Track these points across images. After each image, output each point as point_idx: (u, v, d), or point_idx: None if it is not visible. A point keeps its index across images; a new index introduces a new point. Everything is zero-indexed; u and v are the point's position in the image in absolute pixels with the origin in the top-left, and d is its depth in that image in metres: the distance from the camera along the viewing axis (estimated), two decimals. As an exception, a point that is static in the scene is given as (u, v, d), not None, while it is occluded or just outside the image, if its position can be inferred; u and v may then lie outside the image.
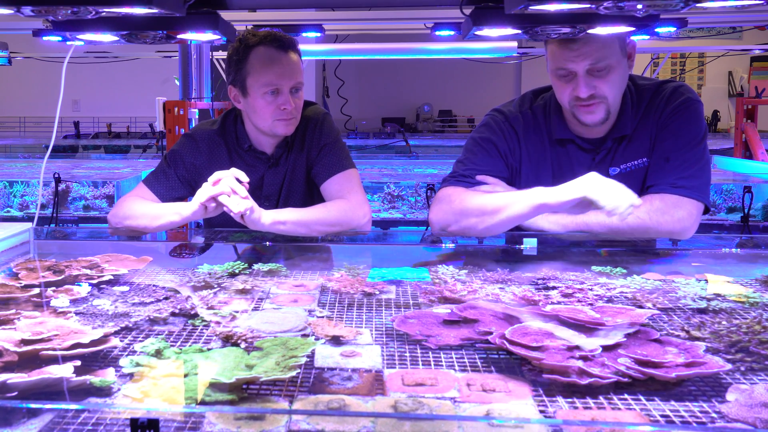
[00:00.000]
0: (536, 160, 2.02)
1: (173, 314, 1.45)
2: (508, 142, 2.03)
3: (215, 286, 1.68)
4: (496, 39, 1.85)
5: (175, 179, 2.20)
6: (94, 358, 1.22)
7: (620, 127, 1.97)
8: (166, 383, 1.11)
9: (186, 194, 2.22)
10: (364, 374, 1.17)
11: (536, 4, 1.44)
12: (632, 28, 1.73)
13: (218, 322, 1.41)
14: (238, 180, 1.90)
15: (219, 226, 2.18)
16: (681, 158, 1.92)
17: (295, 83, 2.11)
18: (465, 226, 1.93)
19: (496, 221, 1.87)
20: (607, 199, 1.69)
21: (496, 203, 1.87)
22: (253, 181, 2.14)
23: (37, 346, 1.20)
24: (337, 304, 1.55)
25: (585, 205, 1.74)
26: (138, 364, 1.18)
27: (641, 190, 1.97)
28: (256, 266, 1.84)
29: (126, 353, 1.25)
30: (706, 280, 1.72)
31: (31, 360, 1.18)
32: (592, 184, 1.73)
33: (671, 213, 1.87)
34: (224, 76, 2.40)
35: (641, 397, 1.08)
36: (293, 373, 1.13)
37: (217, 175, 1.90)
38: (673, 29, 2.93)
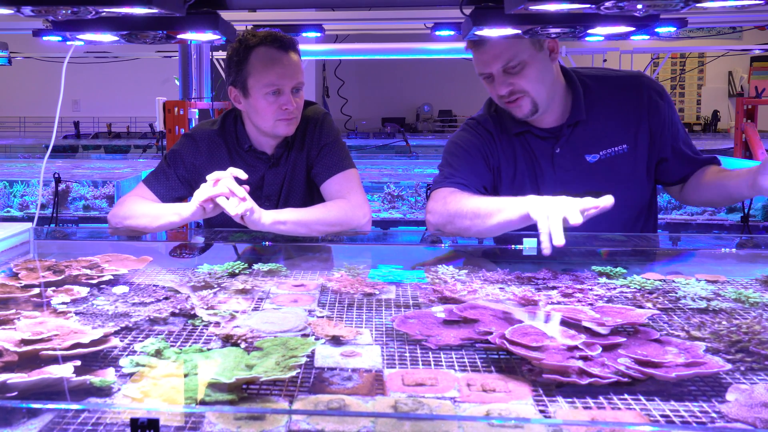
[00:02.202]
0: (511, 157, 2.07)
1: (173, 314, 1.45)
2: (486, 145, 2.07)
3: (215, 286, 1.68)
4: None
5: (175, 179, 2.20)
6: (94, 358, 1.22)
7: (573, 114, 2.02)
8: (166, 383, 1.11)
9: (186, 194, 2.21)
10: (364, 374, 1.17)
11: (536, 4, 1.44)
12: (632, 28, 1.73)
13: (218, 322, 1.41)
14: (237, 179, 1.90)
15: (219, 226, 2.18)
16: (688, 140, 2.08)
17: (296, 83, 2.11)
18: (459, 227, 1.94)
19: (488, 225, 1.87)
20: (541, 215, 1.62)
21: (489, 208, 1.87)
22: (253, 181, 2.14)
23: (37, 346, 1.20)
24: (337, 304, 1.55)
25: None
26: (138, 364, 1.18)
27: (622, 176, 2.01)
28: (256, 266, 1.84)
29: (126, 353, 1.25)
30: (706, 280, 1.72)
31: (31, 360, 1.18)
32: (535, 203, 1.67)
33: (729, 172, 1.98)
34: (224, 76, 2.40)
35: (641, 397, 1.08)
36: (293, 373, 1.13)
37: (215, 175, 1.90)
38: (673, 29, 2.93)
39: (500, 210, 1.83)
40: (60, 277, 1.68)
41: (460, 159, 2.06)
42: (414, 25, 4.25)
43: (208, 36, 1.82)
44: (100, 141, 7.23)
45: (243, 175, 1.90)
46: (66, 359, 1.17)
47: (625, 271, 1.78)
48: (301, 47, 2.20)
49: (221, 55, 5.01)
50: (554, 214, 1.59)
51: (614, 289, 1.62)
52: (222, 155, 2.21)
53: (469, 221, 1.91)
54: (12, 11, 1.44)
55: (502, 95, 1.96)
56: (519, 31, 1.73)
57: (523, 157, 2.05)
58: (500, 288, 1.64)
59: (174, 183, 2.20)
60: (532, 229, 1.94)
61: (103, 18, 1.57)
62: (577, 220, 1.57)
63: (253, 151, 2.21)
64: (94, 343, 1.23)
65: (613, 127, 2.02)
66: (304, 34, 3.75)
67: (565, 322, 1.36)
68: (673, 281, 1.70)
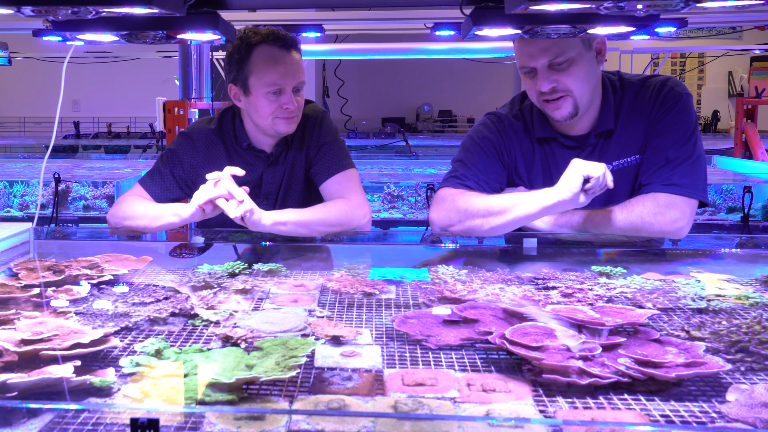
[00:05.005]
0: (528, 162, 2.03)
1: (173, 314, 1.45)
2: (504, 141, 2.04)
3: (215, 286, 1.68)
4: (496, 39, 1.85)
5: (171, 179, 2.19)
6: (94, 358, 1.22)
7: (602, 122, 1.97)
8: (166, 383, 1.11)
9: (181, 195, 2.21)
10: (364, 374, 1.17)
11: (536, 4, 1.44)
12: (632, 28, 1.73)
13: (218, 322, 1.41)
14: (235, 177, 1.90)
15: (217, 226, 2.18)
16: (672, 155, 1.91)
17: (297, 83, 2.10)
18: (469, 226, 1.93)
19: (502, 222, 1.88)
20: (597, 171, 1.74)
21: (504, 204, 1.88)
22: (251, 179, 2.14)
23: (37, 346, 1.20)
24: (337, 304, 1.55)
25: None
26: (138, 364, 1.18)
27: (633, 187, 1.97)
28: (256, 266, 1.84)
29: (126, 353, 1.25)
30: (706, 280, 1.72)
31: (31, 360, 1.18)
32: (582, 163, 1.77)
33: (664, 214, 1.87)
34: (224, 74, 2.40)
35: (641, 397, 1.08)
36: (293, 373, 1.13)
37: (214, 176, 1.89)
38: (673, 29, 2.93)
39: (515, 205, 1.84)
40: (60, 277, 1.68)
41: (475, 157, 2.04)
42: (414, 25, 4.25)
43: (208, 36, 1.82)
44: (100, 141, 7.23)
45: (240, 172, 1.91)
46: (66, 359, 1.17)
47: (625, 271, 1.78)
48: (302, 47, 2.20)
49: (221, 55, 5.01)
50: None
51: (614, 289, 1.62)
52: (219, 154, 2.20)
53: (482, 219, 1.90)
54: (12, 11, 1.44)
55: (544, 92, 1.89)
56: (519, 31, 1.73)
57: (542, 163, 2.02)
58: (500, 288, 1.64)
59: (169, 183, 2.19)
60: (530, 228, 1.95)
61: (103, 18, 1.57)
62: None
63: (251, 149, 2.20)
64: (94, 343, 1.23)
65: (630, 137, 1.96)
66: (304, 34, 3.75)
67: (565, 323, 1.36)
68: (673, 281, 1.70)
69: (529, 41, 1.86)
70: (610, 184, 1.76)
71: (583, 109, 1.93)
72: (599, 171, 1.74)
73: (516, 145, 2.04)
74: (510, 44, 4.15)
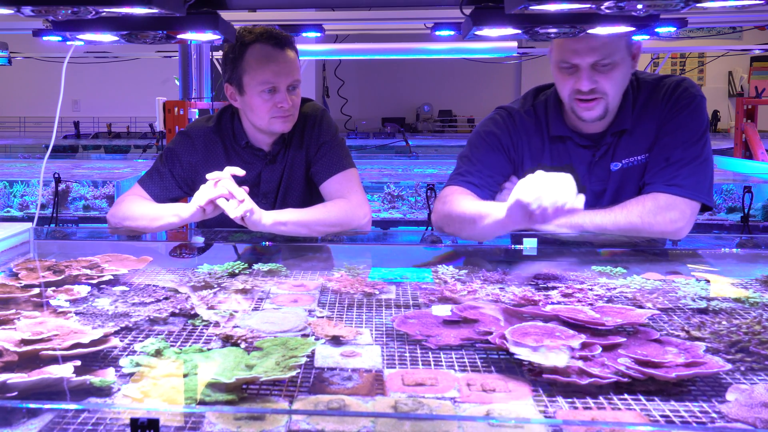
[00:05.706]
0: (537, 158, 2.03)
1: (173, 314, 1.45)
2: (512, 137, 2.03)
3: (215, 286, 1.68)
4: (496, 39, 1.85)
5: (170, 178, 2.19)
6: (94, 358, 1.22)
7: (619, 122, 1.97)
8: (166, 383, 1.11)
9: (181, 194, 2.21)
10: (364, 374, 1.17)
11: (536, 4, 1.44)
12: (632, 28, 1.73)
13: (218, 322, 1.41)
14: (235, 177, 1.90)
15: (217, 226, 2.18)
16: (678, 156, 1.91)
17: (292, 81, 2.10)
18: (452, 230, 1.97)
19: (474, 231, 1.89)
20: (532, 196, 1.59)
21: (473, 213, 1.87)
22: (250, 178, 2.14)
23: (37, 346, 1.20)
24: (337, 304, 1.55)
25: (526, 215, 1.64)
26: (138, 364, 1.18)
27: (631, 187, 1.97)
28: (256, 266, 1.84)
29: (126, 353, 1.25)
30: (706, 280, 1.72)
31: (31, 360, 1.18)
32: (520, 189, 1.62)
33: (663, 214, 1.86)
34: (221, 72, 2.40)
35: (641, 397, 1.08)
36: (293, 373, 1.13)
37: (214, 176, 1.89)
38: (673, 29, 2.93)
39: (483, 216, 1.83)
40: (60, 277, 1.68)
41: (480, 152, 2.04)
42: (414, 25, 4.25)
43: (208, 36, 1.82)
44: (100, 141, 7.23)
45: (240, 172, 1.91)
46: (66, 359, 1.17)
47: (625, 271, 1.78)
48: (301, 47, 2.19)
49: (221, 54, 5.01)
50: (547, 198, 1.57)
51: (614, 289, 1.62)
52: (218, 152, 2.21)
53: (459, 225, 1.93)
54: (12, 11, 1.44)
55: (582, 91, 1.88)
56: (519, 31, 1.73)
57: (553, 161, 2.01)
58: (500, 288, 1.64)
59: (168, 183, 2.19)
60: (529, 228, 1.95)
61: (103, 18, 1.57)
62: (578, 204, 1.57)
63: (250, 147, 2.20)
64: (94, 343, 1.23)
65: (641, 136, 1.96)
66: (304, 34, 3.75)
67: (565, 323, 1.36)
68: (673, 281, 1.70)
69: (577, 38, 1.82)
70: (566, 200, 1.57)
71: (612, 112, 1.94)
72: (535, 196, 1.58)
73: (525, 142, 2.03)
74: (509, 44, 4.14)
